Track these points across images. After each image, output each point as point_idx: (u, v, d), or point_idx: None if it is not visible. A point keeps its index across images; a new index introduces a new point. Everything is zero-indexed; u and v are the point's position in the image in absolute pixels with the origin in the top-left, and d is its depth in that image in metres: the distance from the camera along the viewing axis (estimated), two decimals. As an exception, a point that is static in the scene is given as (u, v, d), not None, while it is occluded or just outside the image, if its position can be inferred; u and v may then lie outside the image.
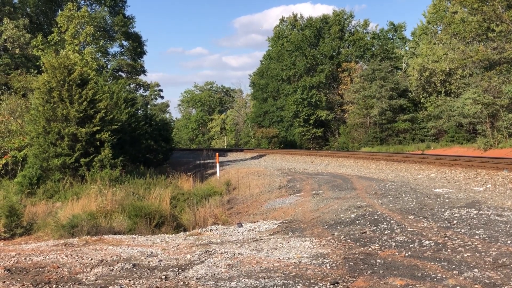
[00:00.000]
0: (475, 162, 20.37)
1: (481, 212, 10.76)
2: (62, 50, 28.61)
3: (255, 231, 11.73)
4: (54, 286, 7.33)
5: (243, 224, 13.11)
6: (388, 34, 67.69)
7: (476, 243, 8.22)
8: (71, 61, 23.09)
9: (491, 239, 8.45)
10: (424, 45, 51.09)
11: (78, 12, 29.86)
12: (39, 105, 21.94)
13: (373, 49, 63.64)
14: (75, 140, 21.39)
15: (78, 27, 29.15)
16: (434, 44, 49.63)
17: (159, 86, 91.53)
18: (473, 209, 11.15)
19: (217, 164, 27.86)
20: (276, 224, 12.45)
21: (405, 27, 67.32)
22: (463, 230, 9.20)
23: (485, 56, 38.74)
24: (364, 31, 67.17)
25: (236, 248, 9.51)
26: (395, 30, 67.73)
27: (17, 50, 37.12)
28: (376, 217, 11.09)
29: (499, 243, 8.14)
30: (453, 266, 7.09)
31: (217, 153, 31.17)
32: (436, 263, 7.33)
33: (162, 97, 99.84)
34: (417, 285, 6.43)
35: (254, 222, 13.70)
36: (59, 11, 37.77)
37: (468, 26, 40.84)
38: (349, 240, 9.33)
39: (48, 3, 44.68)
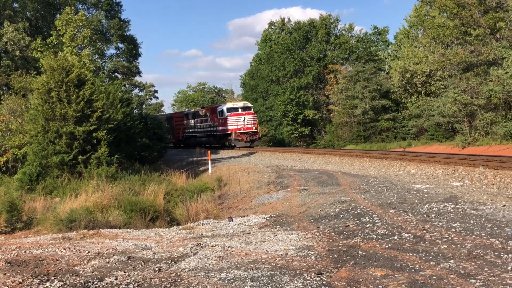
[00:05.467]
0: (453, 159, 20.49)
1: (458, 206, 10.85)
2: (60, 52, 28.46)
3: (245, 225, 11.77)
4: (52, 277, 7.35)
5: (233, 218, 13.14)
6: (372, 38, 67.90)
7: (452, 236, 8.29)
8: (69, 63, 22.99)
9: (466, 232, 8.54)
10: (405, 48, 51.28)
11: (76, 16, 29.71)
12: (38, 105, 21.84)
13: (357, 51, 63.81)
14: (73, 138, 21.33)
15: (76, 30, 29.01)
16: (415, 47, 49.84)
17: (154, 86, 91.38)
18: (451, 203, 11.23)
19: (209, 162, 27.83)
20: (264, 218, 12.49)
21: (388, 31, 67.55)
22: (440, 224, 9.28)
23: (463, 58, 39.00)
24: (349, 34, 67.38)
25: (227, 241, 9.55)
26: (379, 33, 67.94)
27: (17, 52, 36.92)
28: (359, 211, 11.16)
29: (474, 236, 8.22)
30: (430, 257, 7.17)
31: (209, 151, 31.16)
32: (415, 254, 7.40)
33: (157, 97, 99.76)
34: (396, 275, 6.50)
35: (244, 216, 13.73)
36: (58, 15, 37.64)
37: (447, 30, 41.10)
38: (333, 233, 9.39)
39: (47, 7, 44.41)
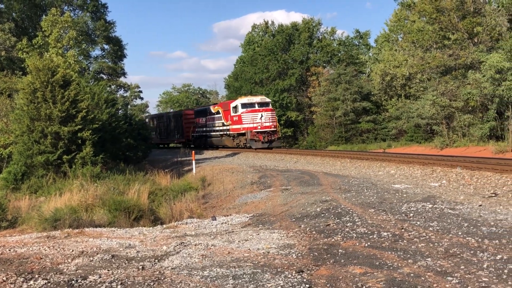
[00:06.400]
0: (431, 160, 20.65)
1: (436, 206, 10.94)
2: (46, 53, 28.21)
3: (228, 224, 11.76)
4: (36, 275, 7.28)
5: (216, 218, 13.12)
6: (354, 41, 68.29)
7: (430, 235, 8.36)
8: (54, 64, 22.85)
9: (443, 230, 8.61)
10: (386, 52, 51.59)
11: (62, 17, 29.50)
12: (23, 105, 21.70)
13: (339, 55, 64.08)
14: (58, 138, 21.20)
15: (62, 31, 28.76)
16: (395, 50, 50.15)
17: (139, 87, 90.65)
18: (429, 203, 11.33)
19: (193, 162, 27.77)
20: (247, 217, 12.49)
21: (369, 35, 67.99)
22: (418, 223, 9.35)
23: (441, 62, 39.32)
24: (331, 38, 67.67)
25: (210, 240, 9.53)
26: (361, 37, 68.33)
27: (3, 53, 36.58)
28: (339, 210, 11.20)
29: (451, 234, 8.29)
30: (408, 256, 7.22)
31: (193, 151, 31.09)
32: (393, 252, 7.45)
33: (142, 98, 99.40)
34: (375, 273, 6.53)
35: (227, 215, 13.72)
36: (44, 16, 37.30)
37: (426, 34, 41.44)
38: (314, 232, 9.42)
39: (33, 8, 44.05)
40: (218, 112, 41.87)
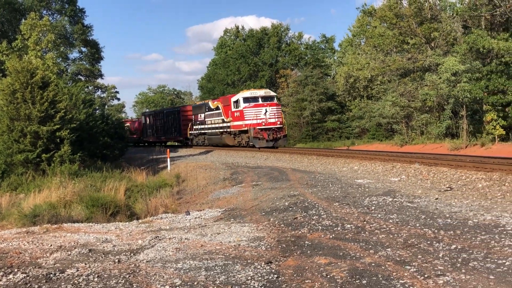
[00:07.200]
0: (392, 156, 20.84)
1: (395, 199, 11.06)
2: (25, 55, 27.74)
3: (201, 218, 11.69)
4: (16, 269, 7.13)
5: (190, 212, 13.03)
6: (320, 45, 68.76)
7: (390, 226, 8.44)
8: (33, 66, 22.50)
9: (402, 222, 8.71)
10: (349, 55, 52.10)
11: (41, 21, 29.06)
12: (3, 105, 21.35)
13: (306, 58, 64.50)
14: (37, 137, 20.89)
15: (40, 34, 28.36)
16: (358, 54, 50.68)
17: (116, 88, 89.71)
18: (389, 197, 11.45)
19: (168, 159, 27.59)
20: (220, 211, 12.43)
21: (334, 39, 68.59)
22: (379, 215, 9.44)
23: (401, 65, 39.84)
24: (299, 42, 68.08)
25: (183, 234, 9.47)
26: (326, 41, 68.85)
27: (-17, 55, 35.71)
28: (306, 204, 11.24)
29: (409, 226, 8.39)
30: (370, 246, 7.28)
31: (168, 149, 30.82)
32: (356, 243, 7.50)
33: (119, 98, 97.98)
34: (338, 263, 6.57)
35: (201, 210, 13.64)
36: (23, 20, 36.60)
37: (386, 39, 41.93)
38: (282, 225, 9.43)
39: (13, 12, 43.13)
40: (217, 108, 36.78)
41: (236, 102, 32.97)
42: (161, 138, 52.04)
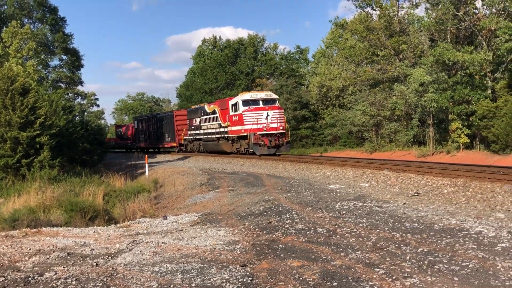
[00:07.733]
0: (362, 163, 21.01)
1: (365, 204, 11.12)
2: (6, 62, 27.25)
3: (178, 223, 11.58)
4: (-7, 274, 6.96)
5: (167, 217, 12.91)
6: (295, 56, 69.17)
7: (360, 230, 8.48)
8: (14, 73, 22.18)
9: (372, 226, 8.75)
10: (322, 66, 52.54)
11: (22, 29, 28.64)
12: (-16, 111, 20.92)
13: (281, 68, 64.77)
14: (17, 143, 20.57)
15: (22, 42, 27.91)
16: (331, 65, 51.14)
17: (95, 95, 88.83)
18: (359, 201, 11.50)
19: (146, 165, 27.34)
20: (196, 216, 12.35)
21: (308, 51, 69.10)
22: (350, 219, 9.47)
23: (371, 75, 40.36)
24: (274, 52, 68.40)
25: (161, 238, 9.36)
26: (301, 52, 69.31)
27: (-36, 62, 35.01)
28: (280, 209, 11.22)
29: (378, 230, 8.44)
30: (341, 249, 7.29)
31: (146, 155, 30.48)
32: (327, 247, 7.51)
33: (98, 105, 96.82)
34: (311, 266, 6.57)
35: (178, 215, 13.52)
36: (4, 27, 36.01)
37: (357, 51, 42.40)
38: (257, 229, 9.40)
39: (-6, 20, 42.49)
40: (214, 112, 33.47)
41: (235, 105, 29.74)
42: (154, 144, 49.11)
